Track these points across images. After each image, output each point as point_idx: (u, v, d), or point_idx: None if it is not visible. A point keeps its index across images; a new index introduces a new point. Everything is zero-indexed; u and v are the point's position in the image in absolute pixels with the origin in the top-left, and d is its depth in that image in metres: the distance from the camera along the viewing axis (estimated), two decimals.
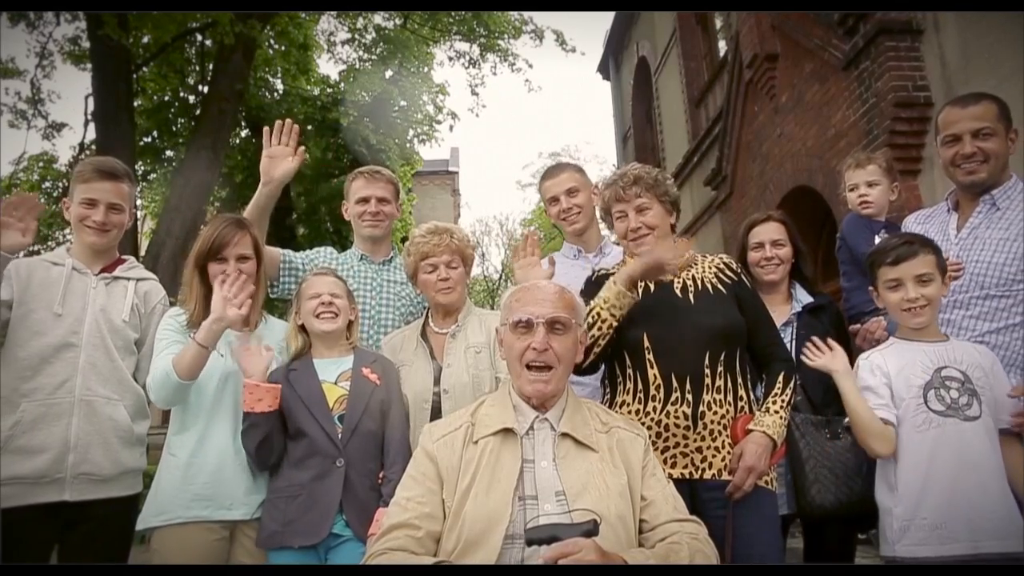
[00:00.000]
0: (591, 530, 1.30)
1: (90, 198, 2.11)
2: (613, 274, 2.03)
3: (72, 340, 2.03)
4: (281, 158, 2.41)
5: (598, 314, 1.88)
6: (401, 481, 1.62)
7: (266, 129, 2.46)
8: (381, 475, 1.99)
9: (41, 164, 10.66)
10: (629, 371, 1.95)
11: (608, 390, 2.07)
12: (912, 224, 2.34)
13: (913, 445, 1.85)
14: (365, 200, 2.53)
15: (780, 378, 1.95)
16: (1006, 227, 2.06)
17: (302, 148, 2.49)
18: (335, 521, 1.92)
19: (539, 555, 1.30)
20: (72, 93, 25.62)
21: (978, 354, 1.93)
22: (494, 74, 12.93)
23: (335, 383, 2.05)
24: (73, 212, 2.13)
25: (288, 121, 2.48)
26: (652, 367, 1.90)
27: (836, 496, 2.07)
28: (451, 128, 13.40)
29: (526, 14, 10.84)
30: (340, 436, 1.98)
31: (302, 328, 2.14)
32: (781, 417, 1.90)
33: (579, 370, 1.89)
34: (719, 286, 2.01)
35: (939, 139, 2.18)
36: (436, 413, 2.04)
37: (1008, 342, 2.01)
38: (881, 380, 1.90)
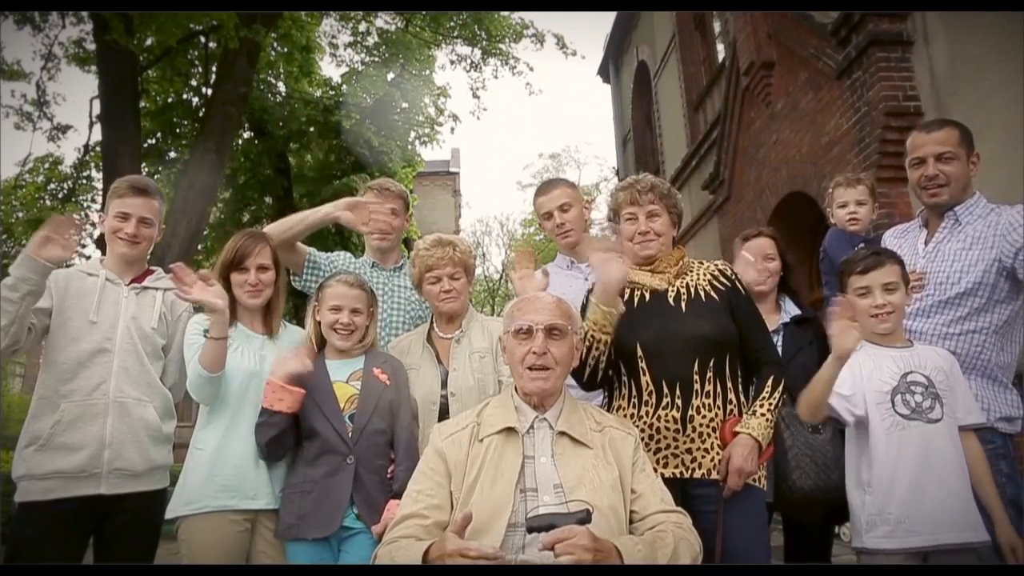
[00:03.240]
0: (585, 518, 1.43)
1: (124, 212, 2.26)
2: None
3: (106, 346, 2.17)
4: (359, 211, 2.56)
5: (592, 337, 1.98)
6: (413, 475, 1.76)
7: (371, 191, 2.67)
8: (391, 470, 2.11)
9: (46, 166, 10.74)
10: (624, 377, 2.06)
11: (606, 394, 2.18)
12: (889, 239, 2.48)
13: (881, 446, 1.98)
14: None
15: (769, 382, 2.03)
16: (963, 238, 2.21)
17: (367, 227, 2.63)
18: (346, 515, 2.04)
19: (539, 541, 1.43)
20: (77, 95, 25.77)
21: (939, 358, 2.07)
22: (495, 77, 13.04)
23: (346, 382, 2.17)
24: (107, 225, 2.29)
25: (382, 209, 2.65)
26: (644, 374, 2.01)
27: (815, 482, 2.19)
28: (452, 130, 13.51)
29: (527, 18, 10.95)
30: (350, 435, 2.09)
31: (318, 324, 2.25)
32: (767, 420, 1.98)
33: (586, 385, 2.04)
34: (712, 293, 2.10)
35: (907, 161, 2.32)
36: (443, 414, 2.16)
37: (967, 347, 2.15)
38: (848, 373, 2.00)
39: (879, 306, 2.06)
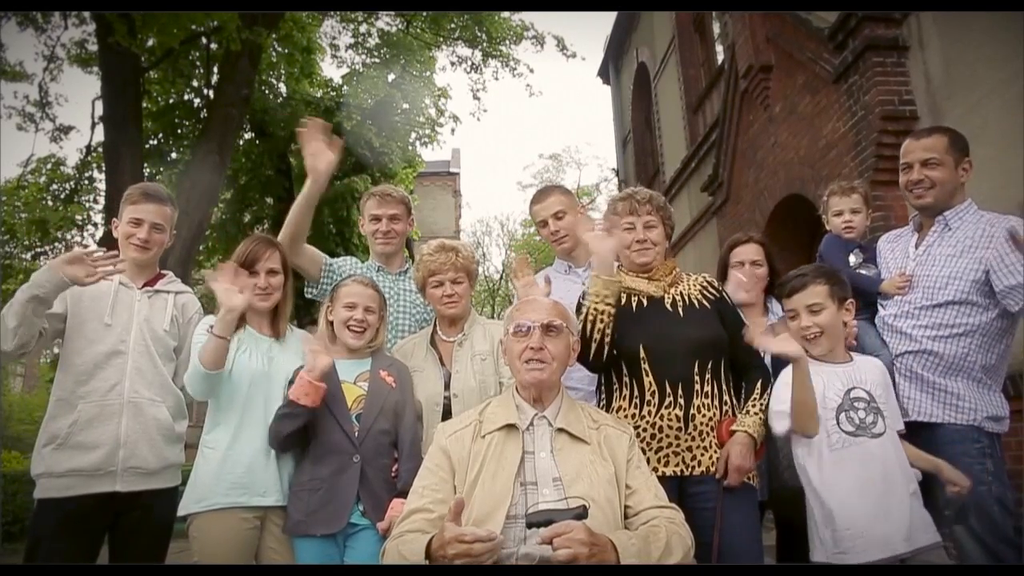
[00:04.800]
0: (581, 514, 1.50)
1: (136, 218, 2.33)
2: None
3: (120, 348, 2.24)
4: (322, 152, 2.52)
5: (595, 309, 2.05)
6: (419, 472, 1.83)
7: (299, 132, 2.56)
8: (395, 469, 2.18)
9: (48, 166, 10.79)
10: (625, 379, 2.13)
11: (604, 396, 2.24)
12: (883, 243, 2.55)
13: (828, 464, 2.02)
14: (377, 219, 2.73)
15: (758, 384, 2.16)
16: (954, 244, 2.26)
17: (337, 138, 2.59)
18: (352, 511, 2.10)
19: (537, 535, 1.50)
20: (79, 96, 25.83)
21: (877, 371, 2.12)
22: (496, 79, 13.08)
23: (354, 383, 2.24)
24: (121, 230, 2.35)
25: (320, 121, 2.60)
26: (647, 375, 2.09)
27: None
28: (453, 131, 13.55)
29: (527, 20, 11.01)
30: (357, 435, 2.15)
31: (330, 324, 2.30)
32: (761, 419, 2.10)
33: (592, 364, 2.10)
34: (704, 302, 2.21)
35: (900, 166, 2.38)
36: (446, 415, 2.23)
37: (954, 350, 2.21)
38: (788, 394, 2.04)
39: (804, 328, 2.11)
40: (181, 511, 2.17)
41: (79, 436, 2.15)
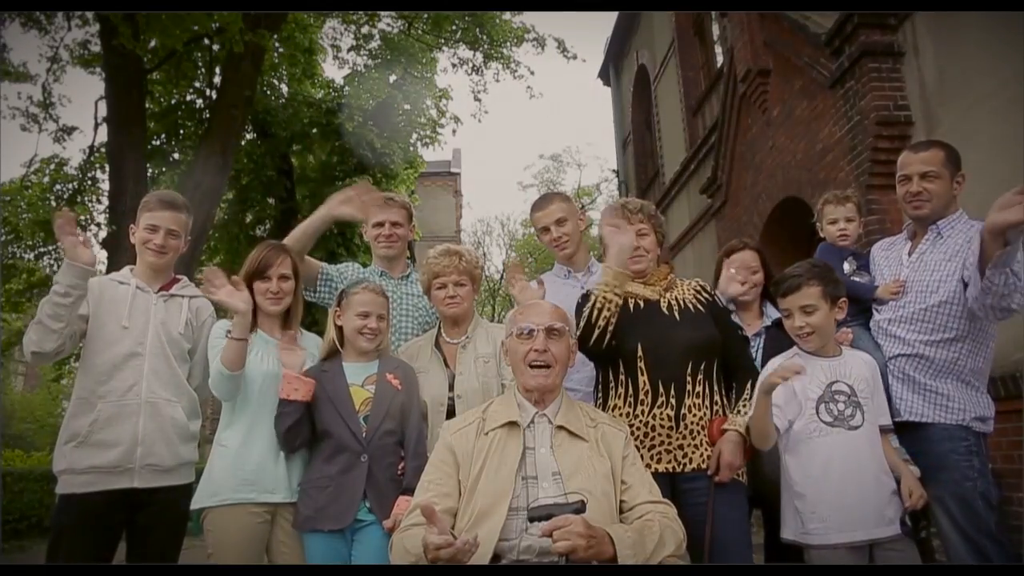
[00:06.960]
0: (580, 509, 1.58)
1: (153, 224, 2.41)
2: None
3: (138, 350, 2.32)
4: (352, 202, 2.68)
5: (604, 298, 2.14)
6: (425, 468, 1.92)
7: (368, 182, 2.69)
8: (401, 467, 2.25)
9: (52, 167, 10.81)
10: (621, 378, 2.22)
11: (600, 396, 2.32)
12: (877, 250, 2.63)
13: (805, 451, 2.14)
14: (380, 224, 2.81)
15: (748, 385, 2.25)
16: (945, 250, 2.35)
17: (375, 211, 2.75)
18: (359, 508, 2.18)
19: (538, 528, 1.58)
20: (82, 96, 25.91)
21: (864, 365, 2.22)
22: (497, 81, 13.16)
23: (361, 386, 2.31)
24: (138, 236, 2.44)
25: (380, 194, 2.78)
26: (643, 374, 2.18)
27: None
28: (454, 132, 13.63)
29: (528, 22, 11.08)
30: (364, 435, 2.23)
31: (340, 329, 2.37)
32: (750, 418, 2.18)
33: (590, 352, 2.18)
34: (698, 305, 2.31)
35: (897, 177, 2.45)
36: (450, 415, 2.30)
37: (945, 354, 2.28)
38: (782, 388, 2.12)
39: (798, 328, 2.21)
40: (195, 505, 2.25)
41: (99, 434, 2.23)
